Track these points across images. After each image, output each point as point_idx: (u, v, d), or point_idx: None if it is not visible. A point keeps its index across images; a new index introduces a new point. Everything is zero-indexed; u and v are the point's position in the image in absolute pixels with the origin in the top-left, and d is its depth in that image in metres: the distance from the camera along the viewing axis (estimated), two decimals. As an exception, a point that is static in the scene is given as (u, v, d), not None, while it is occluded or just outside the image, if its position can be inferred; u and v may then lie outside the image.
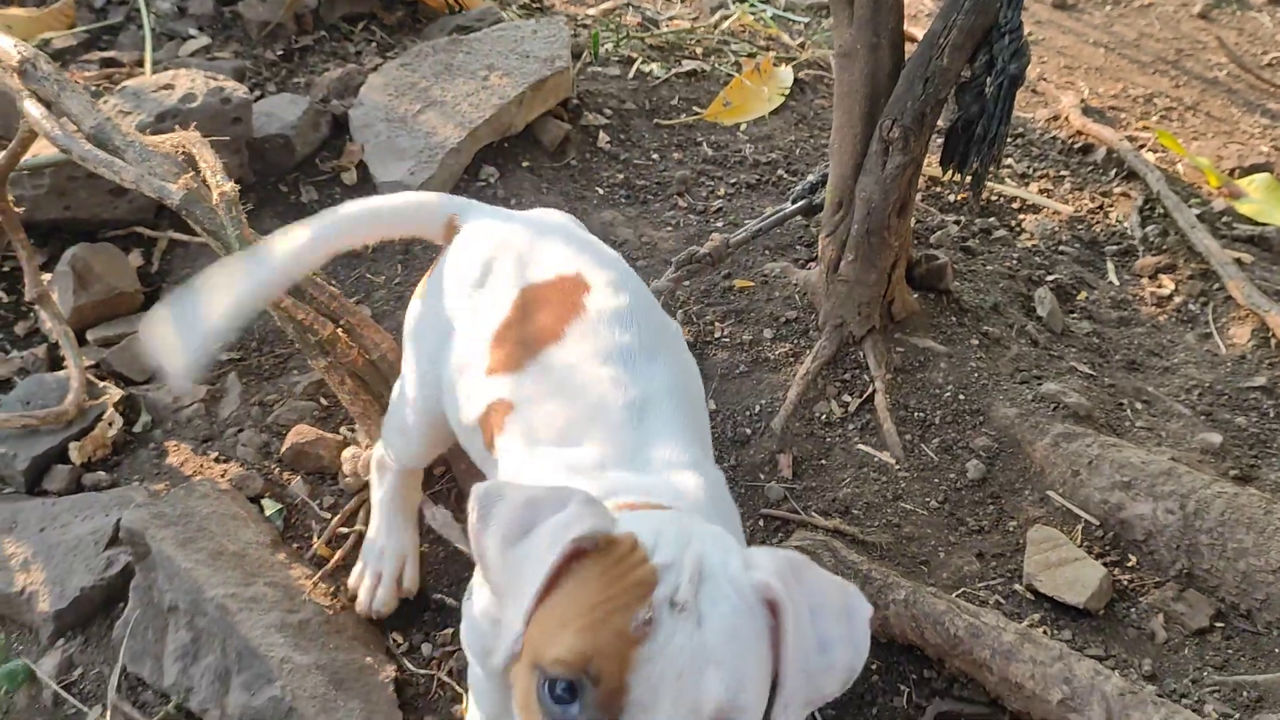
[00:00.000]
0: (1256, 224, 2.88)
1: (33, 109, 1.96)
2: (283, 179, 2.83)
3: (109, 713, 1.77)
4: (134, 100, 2.59)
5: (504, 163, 2.93)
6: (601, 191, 2.92)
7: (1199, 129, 3.46)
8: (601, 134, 3.12)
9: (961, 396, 2.23)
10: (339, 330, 1.90)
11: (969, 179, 2.26)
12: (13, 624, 1.89)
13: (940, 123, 2.23)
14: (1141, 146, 3.26)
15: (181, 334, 1.66)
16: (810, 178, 2.58)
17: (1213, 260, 2.62)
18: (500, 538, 1.10)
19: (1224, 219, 2.90)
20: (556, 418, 1.44)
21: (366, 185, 2.82)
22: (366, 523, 2.00)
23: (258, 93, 3.11)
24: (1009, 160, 3.18)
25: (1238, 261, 2.65)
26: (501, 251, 1.65)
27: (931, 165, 2.45)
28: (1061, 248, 2.80)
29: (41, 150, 2.42)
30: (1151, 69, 3.88)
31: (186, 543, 1.82)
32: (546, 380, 1.48)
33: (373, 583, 1.87)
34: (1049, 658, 1.65)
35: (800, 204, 2.55)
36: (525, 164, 2.95)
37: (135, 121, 2.53)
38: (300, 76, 3.26)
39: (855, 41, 2.20)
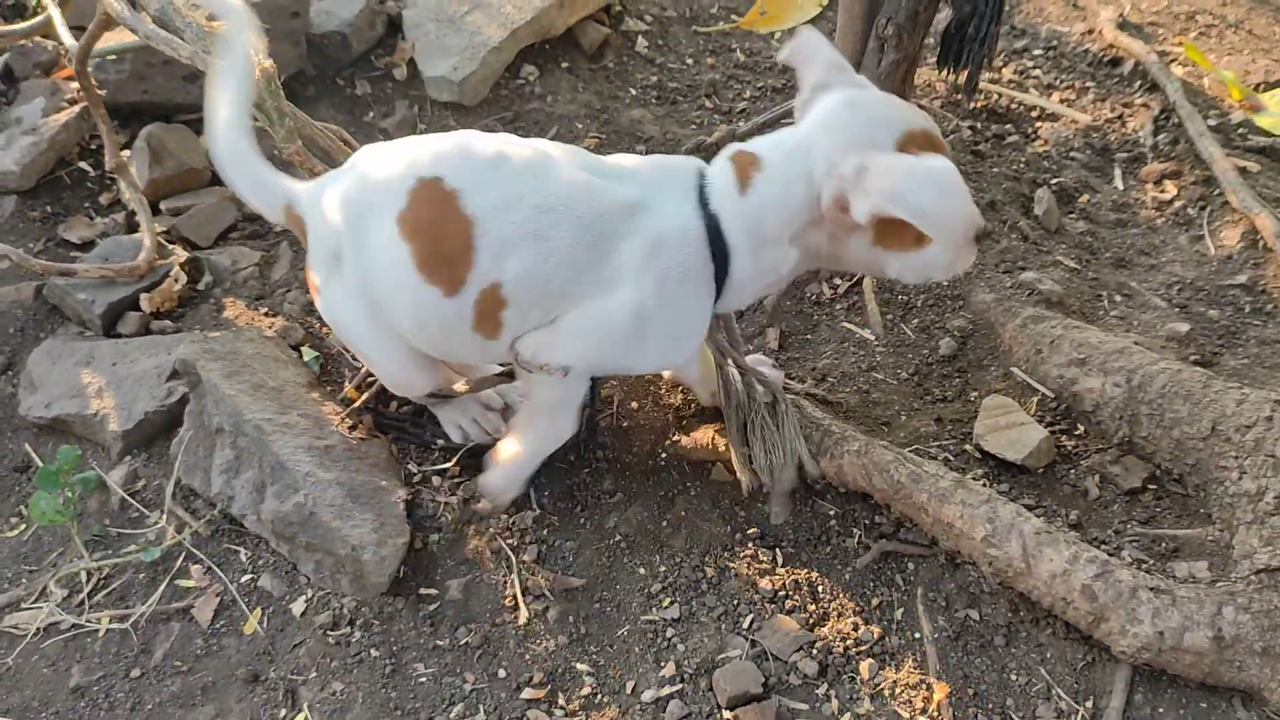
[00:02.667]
0: (1272, 135, 2.93)
1: (109, -6, 2.21)
2: (340, 73, 3.07)
3: (166, 516, 2.07)
4: (204, -6, 2.85)
5: (544, 63, 3.12)
6: (634, 92, 3.10)
7: (1236, 45, 3.47)
8: (640, 39, 3.29)
9: (945, 283, 2.39)
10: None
11: (963, 77, 2.39)
12: (88, 442, 2.20)
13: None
14: (1173, 61, 3.30)
15: None
16: (817, 75, 2.71)
17: (1215, 166, 2.69)
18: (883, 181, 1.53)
19: (1240, 130, 2.96)
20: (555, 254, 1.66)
21: (415, 80, 3.04)
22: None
23: (321, -7, 3.34)
24: (1036, 71, 3.26)
25: (1243, 170, 2.72)
26: (347, 209, 1.73)
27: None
28: (1072, 154, 2.89)
29: (122, 37, 2.70)
30: (1201, -14, 3.86)
31: (232, 375, 2.09)
32: (503, 259, 1.66)
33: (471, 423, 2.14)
34: (977, 500, 1.83)
35: (804, 99, 2.69)
36: (564, 64, 3.14)
37: (202, 15, 2.79)
38: (362, -21, 3.48)
39: (857, -58, 2.33)
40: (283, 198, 1.85)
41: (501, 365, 2.15)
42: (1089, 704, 1.74)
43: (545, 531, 2.03)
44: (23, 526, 2.10)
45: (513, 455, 1.95)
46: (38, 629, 1.92)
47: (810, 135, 1.66)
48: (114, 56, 2.76)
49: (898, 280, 1.92)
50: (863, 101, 1.66)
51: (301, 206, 1.83)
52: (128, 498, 2.10)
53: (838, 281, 2.44)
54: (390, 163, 1.72)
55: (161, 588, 1.97)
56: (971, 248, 1.63)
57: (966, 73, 2.35)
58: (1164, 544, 1.88)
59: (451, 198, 1.66)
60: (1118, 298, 2.42)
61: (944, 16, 2.34)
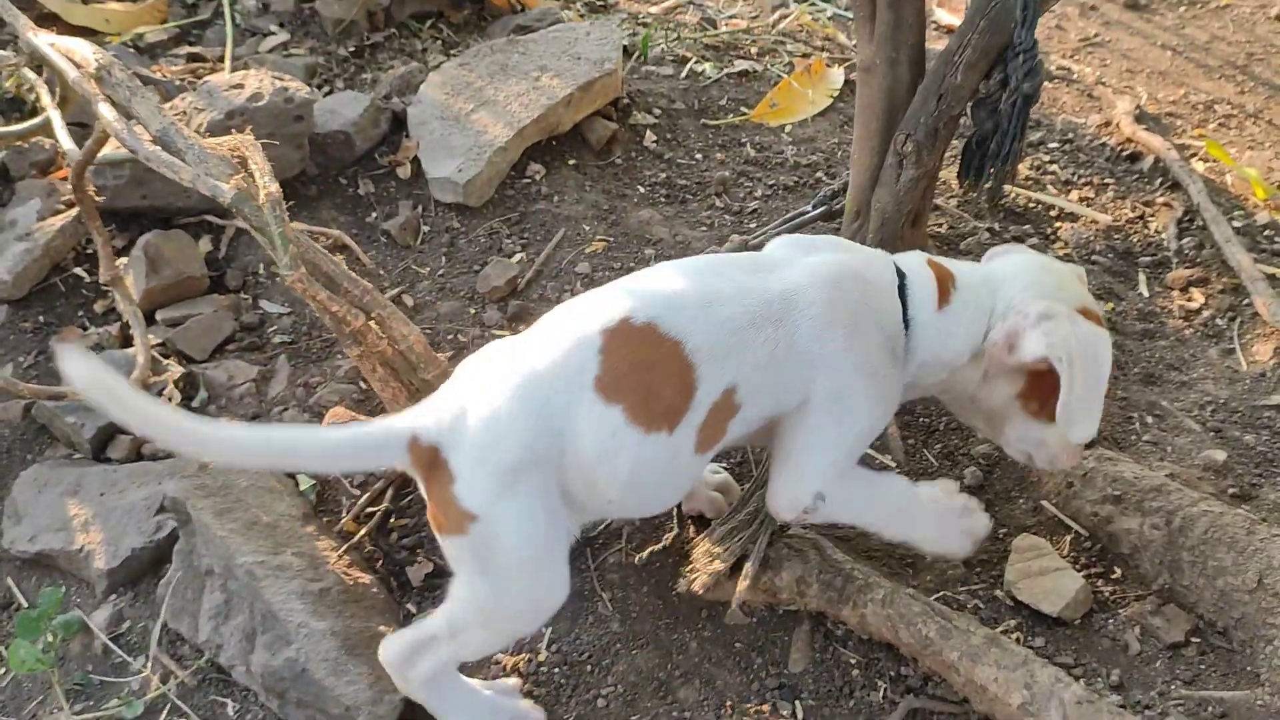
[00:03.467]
0: (1300, 239, 2.85)
1: (106, 111, 2.15)
2: (343, 172, 3.01)
3: (151, 664, 1.96)
4: (208, 98, 2.79)
5: (550, 160, 3.06)
6: (643, 190, 3.03)
7: (1257, 138, 3.40)
8: (649, 133, 3.22)
9: (969, 405, 2.29)
10: (370, 321, 2.05)
11: (985, 191, 2.31)
12: (72, 578, 2.10)
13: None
14: (1192, 155, 3.24)
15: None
16: (833, 185, 2.65)
17: (1243, 275, 2.61)
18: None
19: (1266, 232, 2.88)
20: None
21: (419, 179, 2.98)
22: (393, 501, 2.16)
23: (326, 89, 3.30)
24: (1053, 166, 3.19)
25: (1271, 278, 2.64)
26: (530, 392, 1.60)
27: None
28: (1094, 257, 2.81)
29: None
30: (1218, 74, 3.81)
31: (224, 512, 2.00)
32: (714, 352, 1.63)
33: None
34: (1013, 662, 1.72)
35: (820, 209, 2.62)
36: (571, 162, 3.07)
37: (208, 118, 2.74)
38: (369, 72, 3.44)
39: (875, 56, 2.27)
40: (404, 436, 1.61)
41: None
42: None
43: (554, 674, 1.92)
44: (1, 670, 2.00)
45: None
46: (12, 793, 1.81)
47: (1000, 275, 1.81)
48: (110, 164, 2.69)
49: (1004, 447, 1.92)
50: (1055, 268, 1.85)
51: (435, 435, 1.60)
52: (111, 644, 1.99)
53: (856, 401, 2.34)
54: (552, 335, 1.65)
55: (144, 745, 1.86)
56: (1080, 449, 1.80)
57: (989, 187, 2.27)
58: (1211, 708, 1.77)
59: (649, 333, 1.61)
60: (1149, 419, 2.32)
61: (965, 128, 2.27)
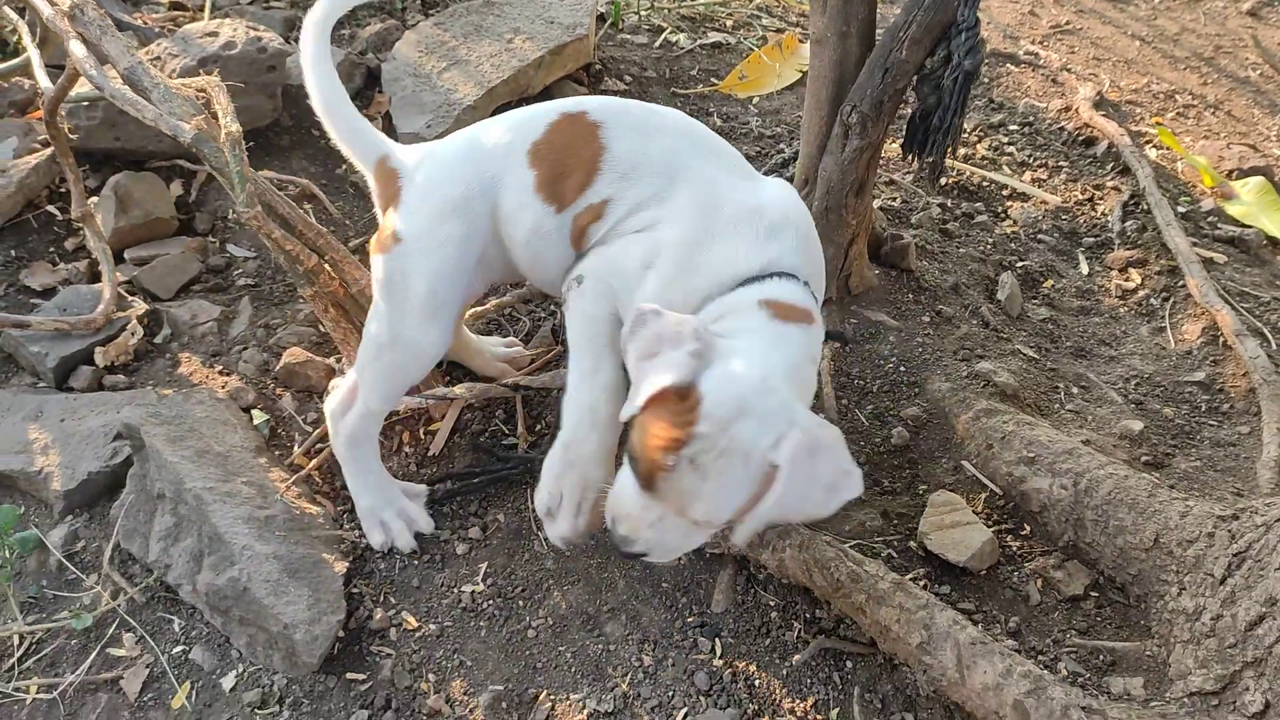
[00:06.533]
0: (1242, 225, 2.94)
1: (77, 49, 2.21)
2: (314, 124, 3.05)
3: (102, 581, 2.05)
4: (182, 44, 2.86)
5: (520, 121, 3.12)
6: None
7: (1214, 128, 3.49)
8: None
9: (902, 369, 2.39)
10: (324, 263, 2.13)
11: (927, 165, 2.39)
12: (30, 498, 2.18)
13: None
14: (1148, 142, 3.32)
15: None
16: (785, 153, 2.73)
17: (1180, 257, 2.70)
18: (637, 353, 1.58)
19: (1209, 219, 2.97)
20: (657, 174, 1.83)
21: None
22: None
23: (303, 41, 3.35)
24: (1011, 148, 3.27)
25: (1209, 261, 2.73)
26: (473, 151, 1.93)
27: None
28: (1040, 236, 2.90)
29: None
30: (1183, 65, 3.89)
31: (176, 440, 2.08)
32: (625, 166, 1.84)
33: (397, 520, 2.09)
34: (915, 605, 1.82)
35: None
36: (540, 123, 3.14)
37: (180, 64, 2.80)
38: (347, 29, 3.50)
39: (826, 29, 2.34)
40: (379, 151, 2.01)
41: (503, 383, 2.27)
42: (1018, 819, 1.73)
43: (487, 606, 2.02)
44: (-41, 584, 2.08)
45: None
46: (-37, 695, 1.90)
47: None
48: (87, 103, 2.75)
49: None
50: None
51: (397, 163, 1.97)
52: (65, 561, 2.08)
53: (796, 362, 2.43)
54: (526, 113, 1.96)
55: (92, 656, 1.95)
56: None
57: (931, 160, 2.36)
58: (1102, 656, 1.87)
59: (590, 130, 1.86)
60: (1074, 390, 2.41)
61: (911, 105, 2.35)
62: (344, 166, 2.99)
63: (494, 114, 3.07)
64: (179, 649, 1.96)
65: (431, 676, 1.93)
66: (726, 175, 1.85)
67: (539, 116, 1.93)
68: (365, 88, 3.16)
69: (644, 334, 1.58)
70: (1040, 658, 1.85)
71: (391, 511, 2.10)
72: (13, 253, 2.69)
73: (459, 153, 1.95)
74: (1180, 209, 2.97)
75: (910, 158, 2.41)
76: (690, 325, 1.57)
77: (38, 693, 1.90)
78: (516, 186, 1.89)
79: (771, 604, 2.02)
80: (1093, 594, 1.98)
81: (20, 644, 1.98)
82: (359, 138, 2.05)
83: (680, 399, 1.52)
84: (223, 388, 2.33)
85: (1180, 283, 2.70)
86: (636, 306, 1.62)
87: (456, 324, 2.23)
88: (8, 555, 2.03)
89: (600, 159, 1.84)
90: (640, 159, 1.84)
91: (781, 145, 3.18)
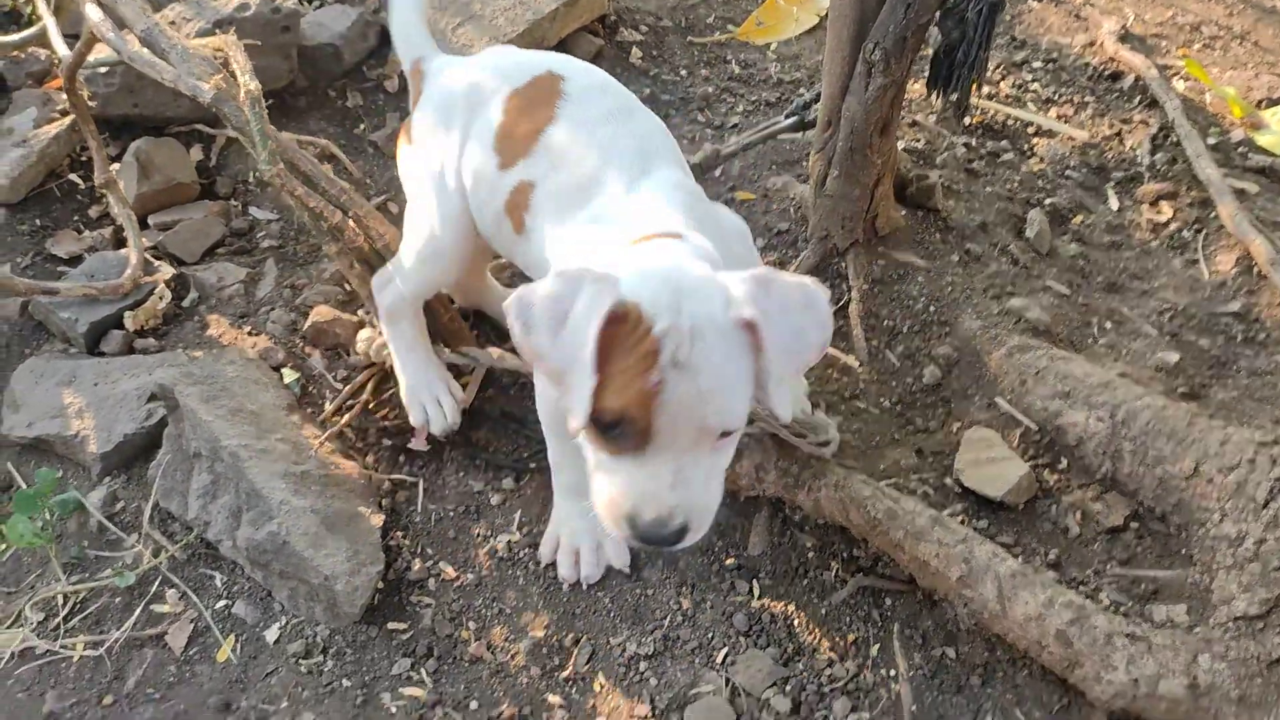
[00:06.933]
0: (1272, 155, 2.89)
1: (92, 12, 2.21)
2: (331, 85, 3.06)
3: (143, 540, 2.07)
4: (196, 7, 2.84)
5: (536, 75, 3.10)
6: (627, 105, 3.07)
7: (1241, 58, 3.42)
8: (635, 50, 3.26)
9: (932, 308, 2.36)
10: (348, 220, 2.12)
11: (951, 102, 2.36)
12: (68, 463, 2.20)
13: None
14: (1175, 75, 3.26)
15: None
16: (806, 96, 2.69)
17: (1212, 188, 2.66)
18: (546, 331, 1.41)
19: (1239, 150, 2.92)
20: (575, 173, 1.77)
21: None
22: (374, 394, 2.25)
23: (317, 2, 3.33)
24: (1035, 85, 3.22)
25: (1240, 192, 2.68)
26: (479, 74, 1.97)
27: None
28: (1068, 172, 2.86)
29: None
30: (1209, -4, 3.81)
31: (210, 399, 2.09)
32: (555, 152, 1.81)
33: (435, 406, 2.13)
34: (953, 540, 1.81)
35: (792, 120, 2.67)
36: (557, 76, 3.11)
37: (196, 26, 2.79)
38: (360, -12, 3.46)
39: (847, -36, 2.30)
40: (418, 53, 2.14)
41: None
42: (1063, 748, 1.73)
43: (524, 555, 2.03)
44: (2, 547, 2.11)
45: None
46: (12, 654, 1.93)
47: None
48: (105, 69, 2.75)
49: None
50: None
51: (431, 67, 2.09)
52: (105, 521, 2.10)
53: (824, 305, 2.41)
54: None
55: (136, 613, 1.97)
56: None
57: (956, 97, 2.32)
58: (1144, 585, 1.86)
59: (554, 94, 1.85)
60: (1108, 324, 2.39)
61: (934, 40, 2.31)
62: (362, 126, 2.98)
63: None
64: (222, 604, 1.98)
65: (472, 624, 1.95)
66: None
67: (533, 64, 1.95)
68: (380, 46, 3.14)
69: (536, 313, 1.42)
70: (1081, 588, 1.84)
71: (429, 395, 2.14)
72: (37, 222, 2.70)
73: (470, 71, 2.00)
74: (1210, 140, 2.92)
75: (934, 95, 2.37)
76: (574, 267, 1.45)
77: (84, 649, 1.93)
78: (485, 125, 1.90)
79: (808, 545, 2.02)
80: (1132, 525, 1.96)
81: (65, 603, 2.00)
82: (405, 34, 2.18)
83: (621, 322, 1.39)
84: (252, 348, 2.34)
85: (1212, 214, 2.66)
86: (505, 307, 1.46)
87: (479, 266, 2.25)
88: (48, 518, 2.05)
89: (548, 125, 1.83)
90: (586, 139, 1.80)
91: (801, 90, 3.14)
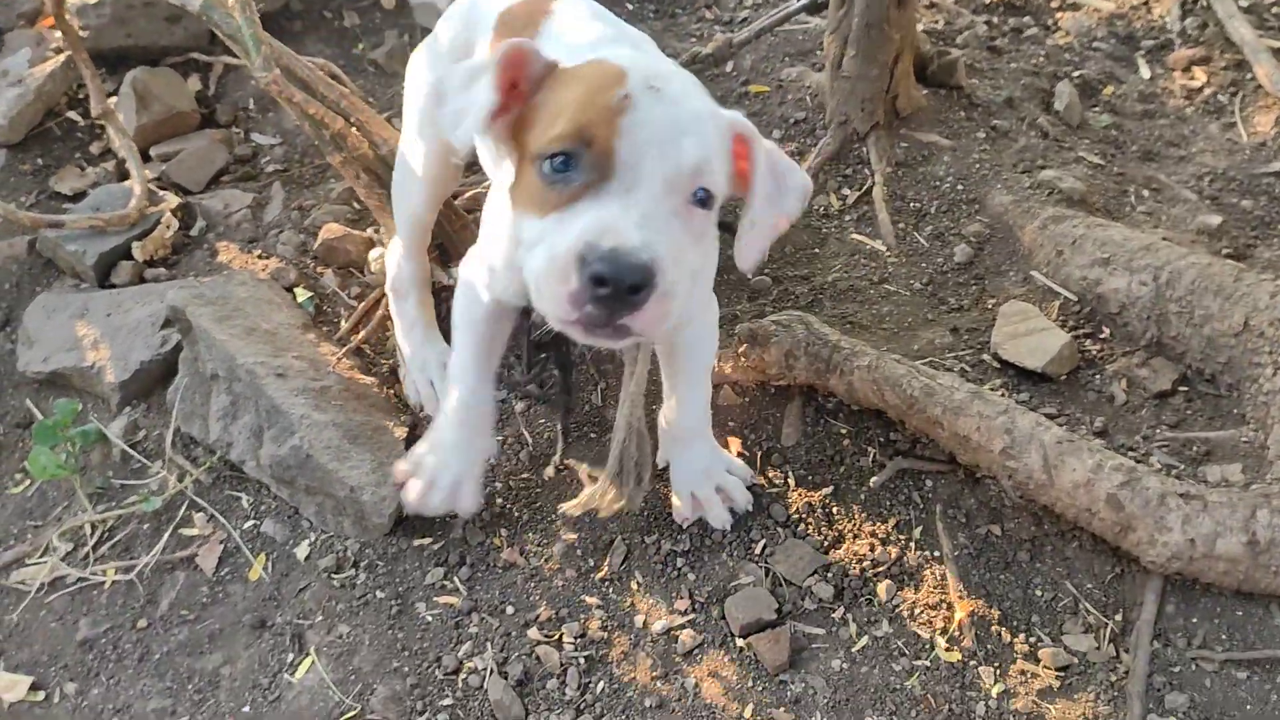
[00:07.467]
0: (1311, 13, 2.76)
1: (73, -69, 2.13)
2: (327, 5, 2.97)
3: (166, 465, 2.04)
4: (182, -69, 2.75)
5: (537, -19, 3.00)
6: (631, 7, 2.98)
7: (1272, -81, 3.26)
8: (638, -53, 3.14)
9: (960, 187, 2.28)
10: (350, 126, 2.05)
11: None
12: (88, 394, 2.17)
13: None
14: (1203, -61, 3.11)
15: None
16: (818, -26, 2.59)
17: (1246, 49, 2.54)
18: (458, 90, 1.30)
19: (1273, 9, 2.78)
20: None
21: (404, 9, 2.94)
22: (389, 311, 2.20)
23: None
24: (1056, -41, 3.08)
25: (1275, 51, 2.56)
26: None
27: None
28: (1095, 44, 2.74)
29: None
30: None
31: (223, 320, 2.04)
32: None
33: (428, 386, 2.05)
34: (994, 412, 1.74)
35: (805, 2, 2.56)
36: (558, -18, 3.01)
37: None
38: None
39: None
40: None
41: None
42: (1118, 617, 1.68)
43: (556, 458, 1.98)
44: (27, 483, 2.08)
45: None
46: (43, 584, 1.91)
47: None
48: (94, 1, 2.68)
49: None
50: None
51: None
52: (128, 449, 2.07)
53: (846, 192, 2.33)
54: None
55: (165, 537, 1.94)
56: None
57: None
58: (1195, 447, 1.79)
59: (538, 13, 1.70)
60: (1145, 192, 2.29)
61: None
62: (360, 46, 2.90)
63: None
64: (250, 524, 1.95)
65: (504, 531, 1.91)
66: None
67: None
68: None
69: (449, 84, 1.32)
70: (1131, 454, 1.78)
71: (423, 376, 2.06)
72: (39, 161, 2.65)
73: (461, 7, 1.88)
74: (1241, 2, 2.79)
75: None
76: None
77: (116, 575, 1.91)
78: (479, 49, 1.78)
79: (843, 431, 1.96)
80: (1181, 389, 1.89)
81: (93, 532, 1.98)
82: None
83: (578, 68, 1.27)
84: (263, 270, 2.29)
85: (1248, 75, 2.55)
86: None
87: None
88: (71, 449, 2.02)
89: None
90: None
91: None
